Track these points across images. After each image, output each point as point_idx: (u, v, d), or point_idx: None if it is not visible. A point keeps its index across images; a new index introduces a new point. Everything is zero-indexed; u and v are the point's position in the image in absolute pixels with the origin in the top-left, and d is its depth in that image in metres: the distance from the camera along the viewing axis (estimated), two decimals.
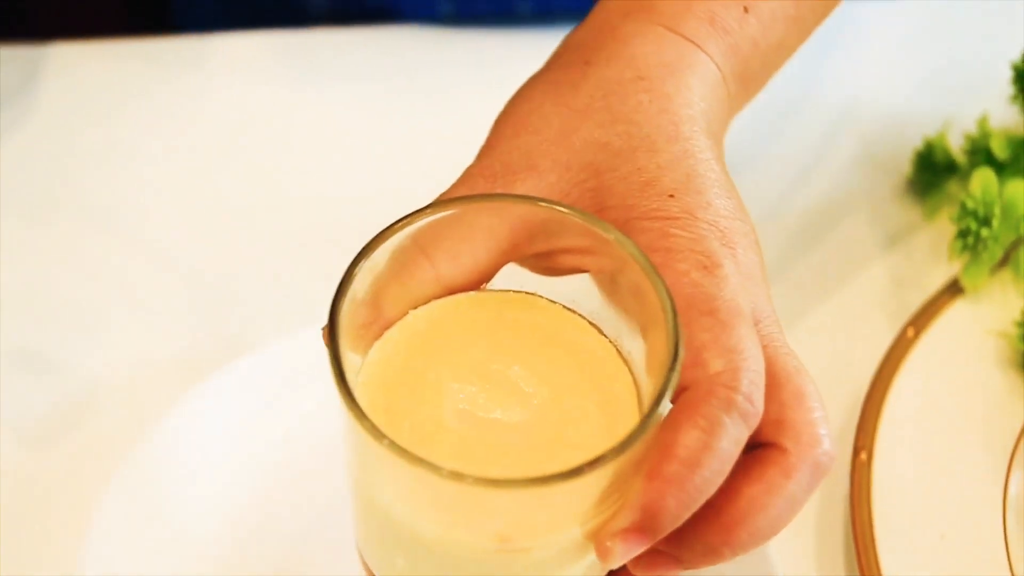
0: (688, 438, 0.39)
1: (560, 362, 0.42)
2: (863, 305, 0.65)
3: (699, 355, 0.40)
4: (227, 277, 0.66)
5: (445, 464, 0.36)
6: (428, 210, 0.41)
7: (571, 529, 0.39)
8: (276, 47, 0.77)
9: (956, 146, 0.70)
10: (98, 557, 0.51)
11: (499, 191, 0.45)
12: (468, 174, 0.46)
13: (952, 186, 0.70)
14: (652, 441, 0.39)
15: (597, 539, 0.39)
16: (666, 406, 0.38)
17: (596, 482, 0.38)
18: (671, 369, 0.38)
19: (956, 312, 0.62)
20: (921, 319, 0.62)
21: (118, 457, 0.55)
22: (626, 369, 0.42)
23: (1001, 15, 0.81)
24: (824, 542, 0.56)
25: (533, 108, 0.47)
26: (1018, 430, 0.58)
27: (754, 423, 0.40)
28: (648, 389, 0.41)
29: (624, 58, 0.48)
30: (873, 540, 0.54)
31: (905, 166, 0.71)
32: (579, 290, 0.43)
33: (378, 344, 0.42)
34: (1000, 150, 0.67)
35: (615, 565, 0.39)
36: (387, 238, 0.41)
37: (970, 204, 0.63)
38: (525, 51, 0.54)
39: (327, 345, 0.39)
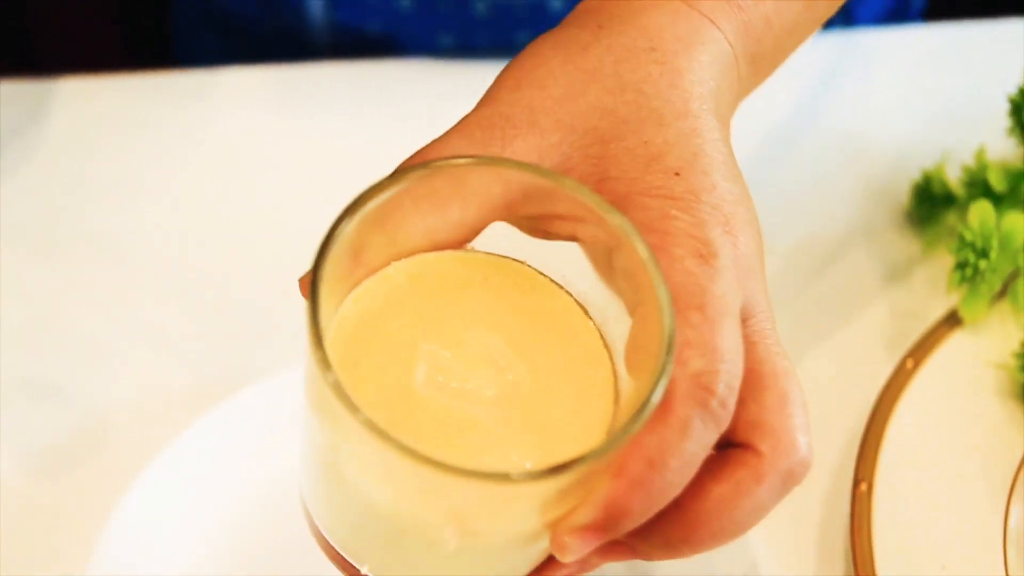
0: (659, 438, 0.38)
1: (540, 339, 0.40)
2: (862, 336, 0.65)
3: (681, 352, 0.39)
4: (233, 307, 0.66)
5: (407, 439, 0.34)
6: (420, 168, 0.39)
7: (528, 520, 0.38)
8: (278, 80, 0.77)
9: (954, 178, 0.70)
10: None
11: (496, 145, 0.43)
12: (465, 123, 0.44)
13: (950, 218, 0.70)
14: (621, 450, 0.37)
15: (554, 532, 0.38)
16: (650, 411, 0.37)
17: (558, 484, 0.37)
18: (645, 403, 0.37)
19: (955, 343, 0.63)
20: (920, 350, 0.62)
21: (123, 486, 0.55)
22: (607, 356, 0.41)
23: (998, 48, 0.81)
24: (825, 573, 0.56)
25: (539, 63, 0.45)
26: (1018, 461, 0.58)
27: (724, 427, 0.39)
28: (626, 388, 0.39)
29: (638, 27, 0.46)
30: (874, 571, 0.54)
31: (903, 198, 0.72)
32: (571, 266, 0.42)
33: (355, 294, 0.40)
34: (998, 182, 0.67)
35: (570, 559, 0.38)
36: (378, 193, 0.38)
37: (968, 236, 0.63)
38: None
39: (305, 297, 0.37)
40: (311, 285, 0.37)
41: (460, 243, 0.42)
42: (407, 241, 0.41)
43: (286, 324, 0.65)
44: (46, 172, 0.72)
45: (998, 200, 0.66)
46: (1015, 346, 0.62)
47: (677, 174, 0.42)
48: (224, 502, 0.55)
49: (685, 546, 0.40)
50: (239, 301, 0.66)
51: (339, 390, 0.35)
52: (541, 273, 0.42)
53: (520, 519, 0.38)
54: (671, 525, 0.40)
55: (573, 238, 0.42)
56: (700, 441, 0.38)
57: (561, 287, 0.42)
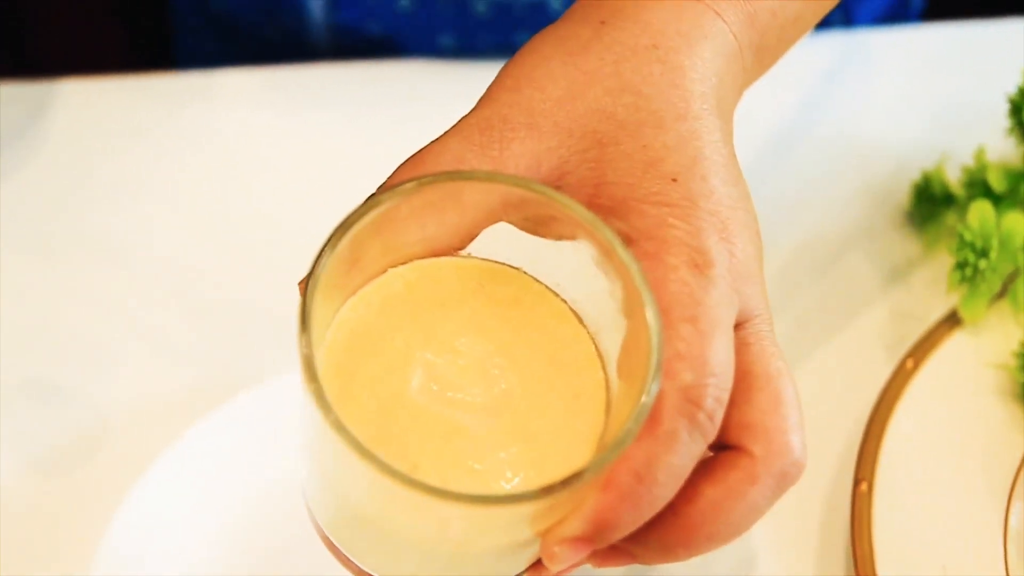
0: (647, 451, 0.38)
1: (534, 347, 0.41)
2: (862, 337, 0.65)
3: (671, 364, 0.39)
4: (234, 309, 0.66)
5: (397, 451, 0.35)
6: (416, 183, 0.39)
7: (520, 531, 0.38)
8: (278, 82, 0.77)
9: (954, 178, 0.70)
10: None
11: (495, 148, 0.42)
12: (463, 124, 0.44)
13: (950, 218, 0.70)
14: (610, 467, 0.38)
15: (543, 542, 0.38)
16: (635, 432, 0.37)
17: (549, 501, 0.37)
18: (634, 423, 0.37)
19: (955, 344, 0.63)
20: (920, 351, 0.62)
21: (125, 487, 0.55)
22: (599, 365, 0.41)
23: (998, 48, 0.81)
24: (825, 574, 0.56)
25: (539, 63, 0.45)
26: (1018, 461, 0.58)
27: (711, 439, 0.39)
28: (617, 396, 0.40)
29: (640, 22, 0.46)
30: (874, 571, 0.54)
31: (903, 199, 0.72)
32: (566, 274, 0.42)
33: (352, 301, 0.41)
34: (997, 182, 0.67)
35: (559, 568, 0.39)
36: (372, 208, 0.39)
37: (968, 236, 0.63)
38: None
39: (300, 306, 0.37)
40: (301, 307, 0.37)
41: (458, 248, 0.42)
42: (404, 248, 0.41)
43: (286, 326, 0.65)
44: (45, 173, 0.72)
45: (998, 200, 0.66)
46: (1015, 346, 0.62)
47: (674, 180, 0.42)
48: (225, 504, 0.56)
49: (682, 550, 0.40)
50: (239, 302, 0.66)
51: (323, 402, 0.35)
52: (536, 280, 0.42)
53: (510, 531, 0.39)
54: (667, 530, 0.40)
55: (572, 238, 0.41)
56: (687, 454, 0.38)
57: (556, 294, 0.42)
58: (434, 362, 0.40)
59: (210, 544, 0.54)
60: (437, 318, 0.41)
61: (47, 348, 0.64)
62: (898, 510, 0.56)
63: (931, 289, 0.67)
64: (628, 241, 0.41)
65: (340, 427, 0.35)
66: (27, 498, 0.58)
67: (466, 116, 0.44)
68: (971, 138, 0.72)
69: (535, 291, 0.42)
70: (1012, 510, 0.56)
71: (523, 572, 0.42)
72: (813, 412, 0.44)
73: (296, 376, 0.56)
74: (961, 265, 0.63)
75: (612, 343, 0.41)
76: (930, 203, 0.70)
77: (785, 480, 0.40)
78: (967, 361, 0.62)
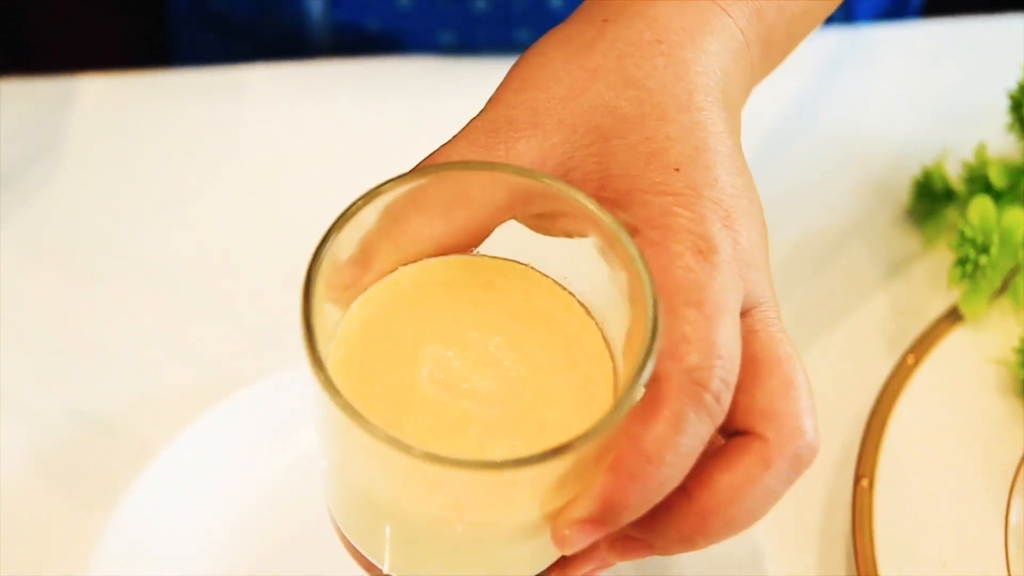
0: (654, 432, 0.38)
1: (543, 338, 0.41)
2: (863, 333, 0.65)
3: (677, 347, 0.39)
4: (233, 305, 0.66)
5: (406, 434, 0.35)
6: (420, 172, 0.40)
7: (527, 510, 0.38)
8: (278, 79, 0.77)
9: (954, 174, 0.70)
10: None
11: (501, 148, 0.43)
12: (470, 127, 0.44)
13: (951, 214, 0.70)
14: (616, 434, 0.38)
15: (554, 525, 0.39)
16: (636, 397, 0.37)
17: (554, 470, 0.37)
18: (641, 368, 0.37)
19: (956, 339, 0.63)
20: (921, 346, 0.62)
21: (124, 486, 0.55)
22: (607, 354, 0.41)
23: (999, 44, 0.81)
24: (826, 570, 0.56)
25: (544, 63, 0.45)
26: (1019, 457, 0.58)
27: (719, 420, 0.39)
28: (623, 375, 0.40)
29: (644, 18, 0.46)
30: (875, 568, 0.54)
31: (904, 195, 0.72)
32: (573, 267, 0.42)
33: (361, 298, 0.41)
34: (998, 178, 0.67)
35: (570, 552, 0.39)
36: (375, 197, 0.39)
37: (968, 232, 0.63)
38: None
39: (303, 292, 0.38)
40: (303, 290, 0.37)
41: (467, 247, 0.42)
42: (414, 246, 0.41)
43: (287, 321, 0.65)
44: (43, 171, 0.72)
45: (998, 196, 0.66)
46: (1015, 342, 0.62)
47: (677, 169, 0.42)
48: (225, 501, 0.56)
49: (700, 537, 0.40)
50: (240, 299, 0.66)
51: (330, 385, 0.36)
52: (544, 275, 0.43)
53: (519, 509, 0.38)
54: (684, 518, 0.40)
55: (581, 234, 0.42)
56: (695, 435, 0.38)
57: (564, 288, 0.42)
58: (444, 355, 0.40)
59: (210, 541, 0.54)
60: (446, 313, 0.41)
61: (46, 345, 0.64)
62: (899, 506, 0.56)
63: (932, 285, 0.67)
64: (633, 231, 0.41)
65: (348, 408, 0.35)
66: (25, 496, 0.58)
67: (473, 119, 0.44)
68: (972, 134, 0.72)
69: (543, 285, 0.42)
70: (1013, 506, 0.56)
71: (544, 573, 0.42)
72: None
73: (298, 370, 0.57)
74: (962, 261, 0.63)
75: (619, 333, 0.41)
76: (931, 199, 0.70)
77: (799, 463, 0.40)
78: (968, 357, 0.62)
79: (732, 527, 0.40)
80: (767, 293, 0.42)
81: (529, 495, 0.38)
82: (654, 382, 0.39)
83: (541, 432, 0.39)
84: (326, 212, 0.44)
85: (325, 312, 0.39)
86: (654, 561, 0.54)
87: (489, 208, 0.42)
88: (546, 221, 0.42)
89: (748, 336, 0.41)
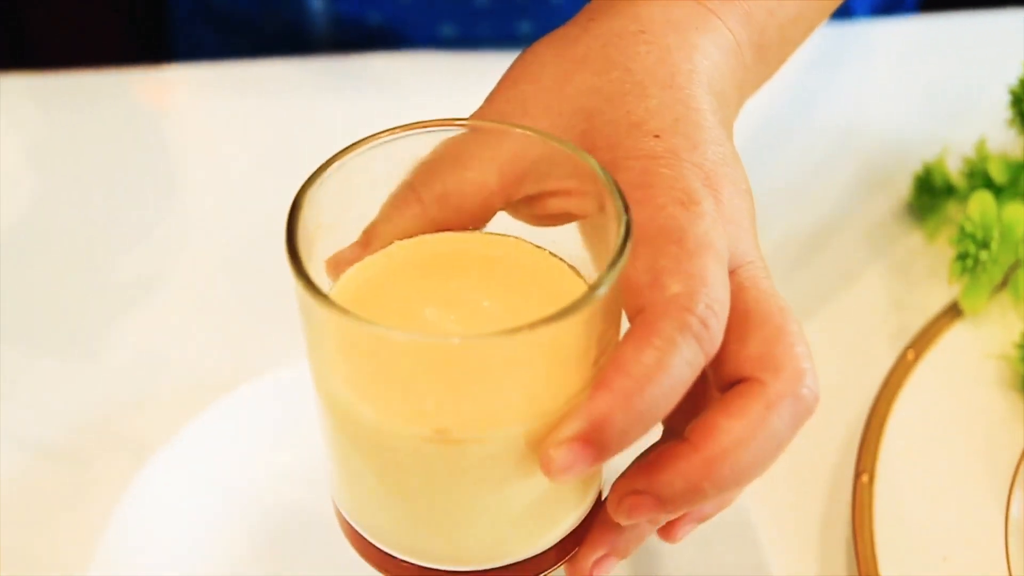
0: (640, 353, 0.38)
1: (533, 299, 0.41)
2: (863, 328, 0.65)
3: (659, 278, 0.39)
4: (234, 301, 0.66)
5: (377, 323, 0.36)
6: (412, 127, 0.42)
7: (509, 425, 0.38)
8: (280, 74, 0.77)
9: (955, 170, 0.70)
10: None
11: (492, 138, 0.44)
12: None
13: (951, 209, 0.70)
14: (592, 327, 0.38)
15: (541, 452, 0.38)
16: (607, 285, 0.37)
17: (528, 359, 0.37)
18: (619, 251, 0.38)
19: (956, 335, 0.63)
20: (921, 342, 0.62)
21: (123, 485, 0.55)
22: None
23: (999, 40, 0.81)
24: (826, 565, 0.56)
25: (533, 59, 0.47)
26: (1019, 452, 0.58)
27: (709, 348, 0.39)
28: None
29: (629, 15, 0.47)
30: (875, 562, 0.54)
31: (904, 190, 0.72)
32: (563, 233, 0.43)
33: (357, 266, 0.42)
34: (998, 174, 0.67)
35: (559, 478, 0.38)
36: (368, 143, 0.41)
37: (969, 227, 0.63)
38: None
39: (332, 276, 0.41)
40: (287, 233, 0.39)
41: (462, 230, 0.44)
42: (410, 228, 0.43)
43: (285, 320, 0.65)
44: (43, 166, 0.72)
45: (999, 191, 0.66)
46: (1016, 337, 0.62)
47: (657, 136, 0.43)
48: (224, 500, 0.56)
49: (707, 484, 0.39)
50: (240, 295, 0.66)
51: (309, 285, 0.37)
52: (538, 247, 0.44)
53: (499, 421, 0.38)
54: (690, 466, 0.39)
55: (567, 215, 0.43)
56: (682, 356, 0.38)
57: (554, 254, 0.43)
58: (434, 310, 0.40)
59: (210, 540, 0.54)
60: (438, 278, 0.42)
61: (44, 344, 0.64)
62: (899, 501, 0.56)
63: (932, 280, 0.67)
64: None
65: (327, 301, 0.37)
66: (26, 493, 0.58)
67: (469, 117, 0.46)
68: (972, 129, 0.72)
69: (532, 251, 0.43)
70: (1013, 500, 0.56)
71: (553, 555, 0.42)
72: None
73: (291, 370, 0.56)
74: (962, 256, 0.63)
75: None
76: (931, 194, 0.70)
77: (801, 405, 0.40)
78: (968, 352, 0.62)
79: (739, 474, 0.39)
80: (753, 252, 0.43)
81: (507, 402, 0.38)
82: (640, 314, 0.39)
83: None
84: None
85: (315, 259, 0.41)
86: (655, 555, 0.54)
87: (482, 188, 0.43)
88: (538, 204, 0.43)
89: (737, 293, 0.41)
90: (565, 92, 0.45)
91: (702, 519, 0.44)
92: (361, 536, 0.43)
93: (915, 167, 0.71)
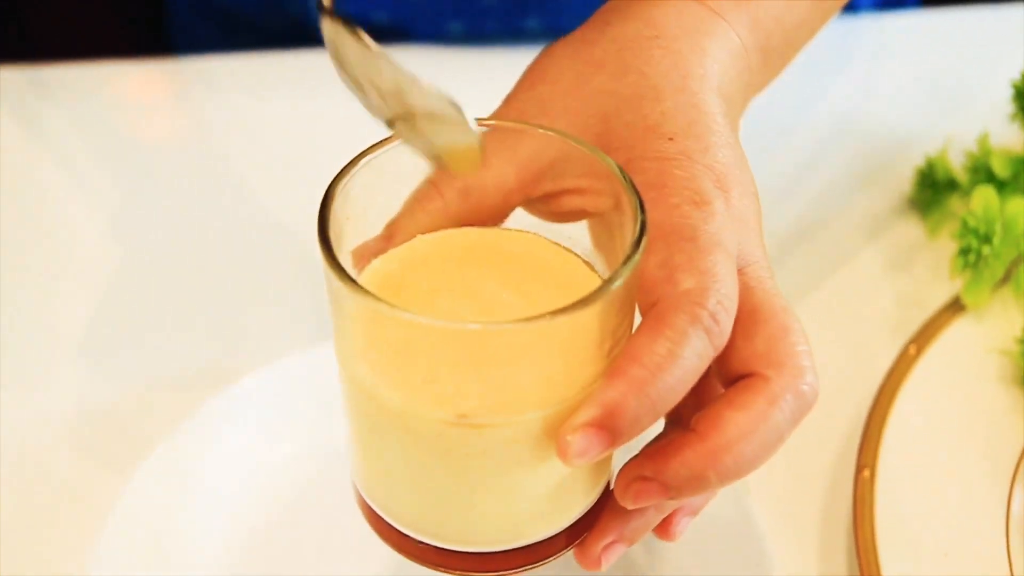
0: (653, 344, 0.40)
1: (550, 292, 0.43)
2: (865, 322, 0.65)
3: (672, 274, 0.41)
4: (236, 294, 0.66)
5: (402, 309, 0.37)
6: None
7: (528, 411, 0.39)
8: (284, 67, 0.77)
9: (957, 164, 0.70)
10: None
11: (510, 138, 0.46)
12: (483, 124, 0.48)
13: (953, 203, 0.70)
14: (608, 318, 0.39)
15: (557, 438, 0.39)
16: (623, 277, 0.39)
17: (546, 347, 0.38)
18: (635, 245, 0.39)
19: (958, 329, 0.62)
20: (923, 337, 0.62)
21: (121, 483, 0.55)
22: None
23: (1001, 34, 0.81)
24: (827, 560, 0.56)
25: (552, 62, 0.49)
26: (1021, 447, 0.58)
27: (718, 342, 0.41)
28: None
29: (644, 19, 0.49)
30: (877, 558, 0.54)
31: (906, 184, 0.72)
32: (578, 229, 0.45)
33: (381, 258, 0.44)
34: (1001, 168, 0.67)
35: (574, 463, 0.39)
36: (395, 140, 0.42)
37: (971, 222, 0.63)
38: None
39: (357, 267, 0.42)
40: (319, 213, 0.40)
41: (483, 225, 0.46)
42: (433, 224, 0.45)
43: (288, 313, 0.65)
44: (41, 159, 0.72)
45: (1001, 186, 0.66)
46: (1018, 332, 0.62)
47: (671, 139, 0.45)
48: (225, 494, 0.55)
49: (711, 473, 0.41)
50: (241, 290, 0.66)
51: (341, 272, 0.38)
52: (552, 242, 0.45)
53: (518, 407, 0.39)
54: (695, 454, 0.41)
55: (582, 212, 0.45)
56: (692, 348, 0.40)
57: (569, 250, 0.45)
58: (453, 300, 0.42)
59: (210, 535, 0.54)
60: (459, 271, 0.44)
61: (43, 340, 0.64)
62: (901, 496, 0.56)
63: (934, 275, 0.67)
64: None
65: (356, 287, 0.38)
66: (24, 493, 0.58)
67: (487, 118, 0.48)
68: (974, 123, 0.72)
69: (549, 247, 0.45)
70: (1015, 496, 0.56)
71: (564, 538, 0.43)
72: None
73: (296, 359, 0.56)
74: (964, 251, 0.63)
75: None
76: (933, 188, 0.70)
77: (802, 401, 0.42)
78: (970, 347, 0.62)
79: (742, 465, 0.41)
80: (759, 253, 0.44)
81: (525, 387, 0.39)
82: (653, 307, 0.41)
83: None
84: None
85: (344, 251, 0.42)
86: (657, 550, 0.54)
87: (501, 185, 0.45)
88: (554, 202, 0.45)
89: (743, 292, 0.43)
90: (583, 94, 0.47)
91: (695, 512, 0.46)
92: (380, 517, 0.45)
93: (917, 161, 0.71)
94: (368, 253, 0.44)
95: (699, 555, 0.53)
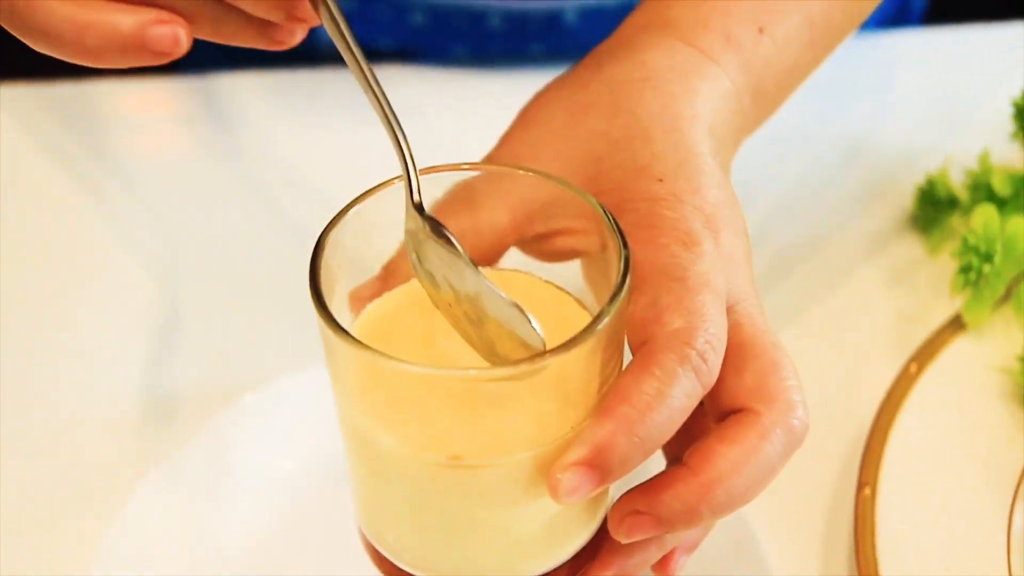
0: (641, 384, 0.40)
1: (544, 328, 0.43)
2: (866, 341, 0.65)
3: (661, 314, 0.42)
4: (239, 311, 0.66)
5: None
6: (428, 171, 0.44)
7: (519, 451, 0.40)
8: (287, 86, 0.77)
9: (958, 182, 0.70)
10: None
11: (505, 180, 0.47)
12: (479, 166, 0.48)
13: (954, 221, 0.70)
14: (595, 358, 0.40)
15: (548, 477, 0.40)
16: (606, 318, 0.39)
17: (535, 389, 0.39)
18: (619, 285, 0.40)
19: (959, 348, 0.62)
20: (924, 355, 0.62)
21: (125, 493, 0.55)
22: None
23: (1002, 52, 0.81)
24: None
25: (544, 104, 0.50)
26: (1022, 465, 0.58)
27: (706, 381, 0.41)
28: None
29: (635, 61, 0.50)
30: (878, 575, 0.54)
31: (907, 202, 0.72)
32: (569, 269, 0.46)
33: (376, 302, 0.45)
34: (1001, 186, 0.67)
35: (565, 501, 0.40)
36: (386, 187, 0.43)
37: (972, 240, 0.63)
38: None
39: (354, 310, 0.43)
40: (311, 263, 0.41)
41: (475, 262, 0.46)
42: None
43: (292, 325, 0.65)
44: (45, 176, 0.72)
45: (1002, 204, 0.66)
46: (1019, 350, 0.62)
47: (661, 180, 0.46)
48: (231, 507, 0.55)
49: (704, 507, 0.41)
50: (245, 302, 0.66)
51: (339, 331, 0.39)
52: (547, 281, 0.46)
53: (509, 448, 0.40)
54: (687, 488, 0.41)
55: (574, 252, 0.45)
56: (681, 388, 0.40)
57: (561, 288, 0.46)
58: (451, 344, 0.43)
59: (216, 547, 0.54)
60: None
61: (51, 348, 0.64)
62: (902, 514, 0.56)
63: (935, 293, 0.67)
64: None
65: (348, 337, 0.38)
66: (30, 500, 0.58)
67: (482, 159, 0.49)
68: (975, 141, 0.72)
69: (542, 286, 0.46)
70: (1016, 514, 0.56)
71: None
72: (816, 416, 0.45)
73: (304, 374, 0.57)
74: (965, 269, 0.63)
75: None
76: (934, 206, 0.70)
77: (792, 435, 0.42)
78: (971, 365, 0.62)
79: (734, 499, 0.42)
80: (749, 290, 0.45)
81: (517, 429, 0.40)
82: (643, 346, 0.42)
83: None
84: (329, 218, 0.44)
85: (337, 298, 0.43)
86: None
87: (495, 227, 0.46)
88: (546, 242, 0.46)
89: (733, 328, 0.43)
90: (575, 136, 0.48)
91: (691, 548, 0.47)
92: (384, 557, 0.45)
93: (918, 179, 0.71)
94: (365, 295, 0.45)
95: (699, 572, 0.53)
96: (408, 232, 0.43)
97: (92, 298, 0.67)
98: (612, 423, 0.39)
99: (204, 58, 0.87)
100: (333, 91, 0.77)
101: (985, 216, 0.63)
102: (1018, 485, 0.57)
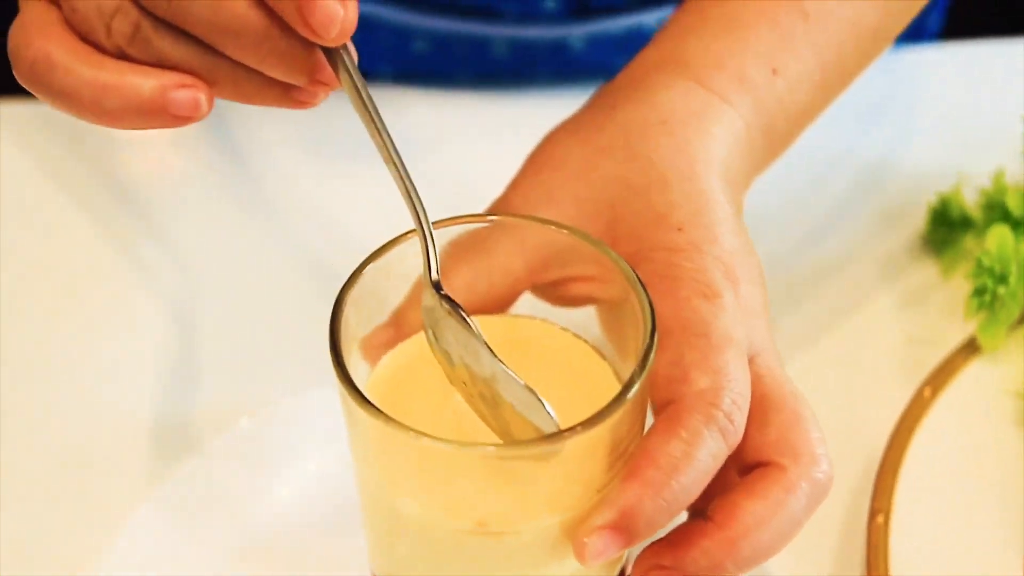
0: (668, 446, 0.41)
1: (559, 380, 0.44)
2: (879, 364, 0.65)
3: (687, 373, 0.42)
4: (246, 327, 0.66)
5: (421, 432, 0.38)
6: (447, 221, 0.44)
7: (545, 517, 0.40)
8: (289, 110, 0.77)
9: (971, 202, 0.69)
10: None
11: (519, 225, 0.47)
12: (491, 209, 0.49)
13: (968, 242, 0.69)
14: (622, 427, 0.40)
15: (574, 537, 0.40)
16: (634, 389, 0.39)
17: (562, 461, 0.39)
18: (645, 354, 0.40)
19: (973, 371, 0.62)
20: (938, 378, 0.61)
21: (127, 506, 0.55)
22: (619, 389, 0.44)
23: (1016, 69, 0.81)
24: None
25: (558, 147, 0.50)
26: None
27: (732, 441, 0.42)
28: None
29: (650, 104, 0.50)
30: None
31: (920, 222, 0.71)
32: (587, 318, 0.46)
33: (391, 353, 0.45)
34: (1016, 206, 0.66)
35: (591, 563, 0.40)
36: (401, 242, 0.43)
37: (986, 261, 0.62)
38: (543, 114, 0.55)
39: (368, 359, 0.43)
40: (330, 335, 0.41)
41: (490, 313, 0.47)
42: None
43: (300, 348, 0.64)
44: (45, 194, 0.72)
45: (1016, 224, 0.65)
46: None
47: (680, 229, 0.46)
48: (234, 527, 0.55)
49: (730, 562, 0.42)
50: (253, 322, 0.66)
51: (362, 401, 0.39)
52: (564, 329, 0.47)
53: (535, 514, 0.40)
54: (713, 544, 0.42)
55: (590, 298, 0.46)
56: (708, 449, 0.41)
57: (578, 336, 0.46)
58: (468, 402, 0.43)
59: (220, 566, 0.54)
60: None
61: (43, 372, 0.64)
62: (915, 542, 0.55)
63: (948, 315, 0.66)
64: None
65: (375, 411, 0.38)
66: (30, 515, 0.57)
67: (495, 203, 0.49)
68: (989, 160, 0.71)
69: (558, 334, 0.46)
70: None
71: None
72: (829, 441, 0.45)
73: (312, 395, 0.56)
74: (979, 291, 0.62)
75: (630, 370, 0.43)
76: (947, 227, 0.69)
77: (817, 488, 0.43)
78: (986, 389, 0.61)
79: (759, 553, 0.42)
80: (768, 342, 0.46)
81: (542, 496, 0.40)
82: (669, 406, 0.42)
83: None
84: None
85: (354, 351, 0.43)
86: None
87: (508, 274, 0.46)
88: (561, 287, 0.46)
89: (754, 381, 0.44)
90: (591, 180, 0.48)
91: None
92: None
93: (930, 199, 0.70)
94: (377, 344, 0.45)
95: None
96: (425, 309, 0.42)
97: (93, 318, 0.67)
98: (639, 486, 0.40)
99: None
100: (348, 107, 0.76)
101: (999, 237, 0.63)
102: None
